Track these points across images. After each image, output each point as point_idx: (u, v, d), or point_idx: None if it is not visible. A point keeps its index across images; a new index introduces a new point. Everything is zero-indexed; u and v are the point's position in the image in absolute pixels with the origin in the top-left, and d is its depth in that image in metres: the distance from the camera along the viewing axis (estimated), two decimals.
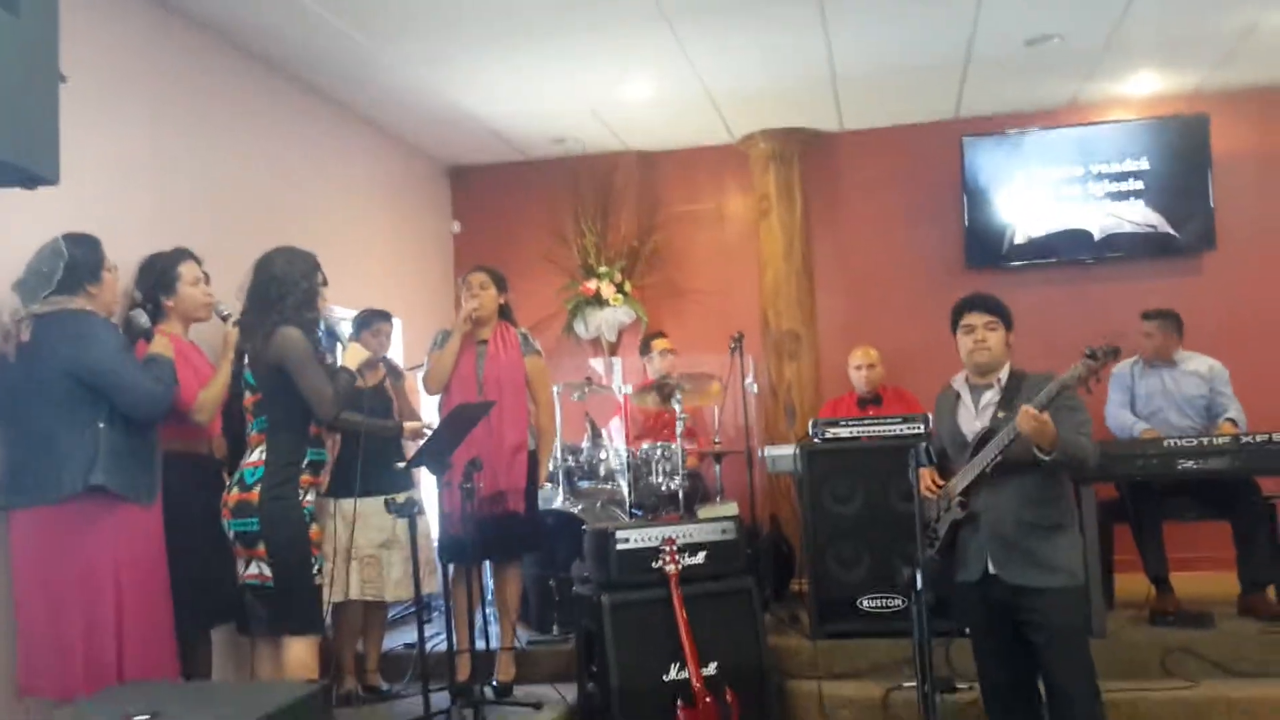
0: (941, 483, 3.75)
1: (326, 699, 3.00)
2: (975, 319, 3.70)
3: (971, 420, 3.71)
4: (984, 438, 3.59)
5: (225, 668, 4.42)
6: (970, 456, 3.62)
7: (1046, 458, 3.40)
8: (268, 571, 3.52)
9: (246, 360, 3.66)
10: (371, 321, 5.05)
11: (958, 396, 3.81)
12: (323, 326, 3.88)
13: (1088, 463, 3.55)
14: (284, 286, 3.65)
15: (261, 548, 3.51)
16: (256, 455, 3.58)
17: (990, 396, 3.68)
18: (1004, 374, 3.69)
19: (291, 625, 3.57)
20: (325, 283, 3.82)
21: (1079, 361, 3.36)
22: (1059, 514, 3.60)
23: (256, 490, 3.52)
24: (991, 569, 3.57)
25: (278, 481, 3.54)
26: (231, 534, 3.56)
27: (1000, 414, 3.59)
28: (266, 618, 3.59)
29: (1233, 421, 5.24)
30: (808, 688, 4.71)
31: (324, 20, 4.91)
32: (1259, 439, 4.70)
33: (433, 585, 4.81)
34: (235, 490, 3.56)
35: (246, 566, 3.56)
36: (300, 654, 3.56)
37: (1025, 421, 3.34)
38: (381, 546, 4.64)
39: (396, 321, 6.52)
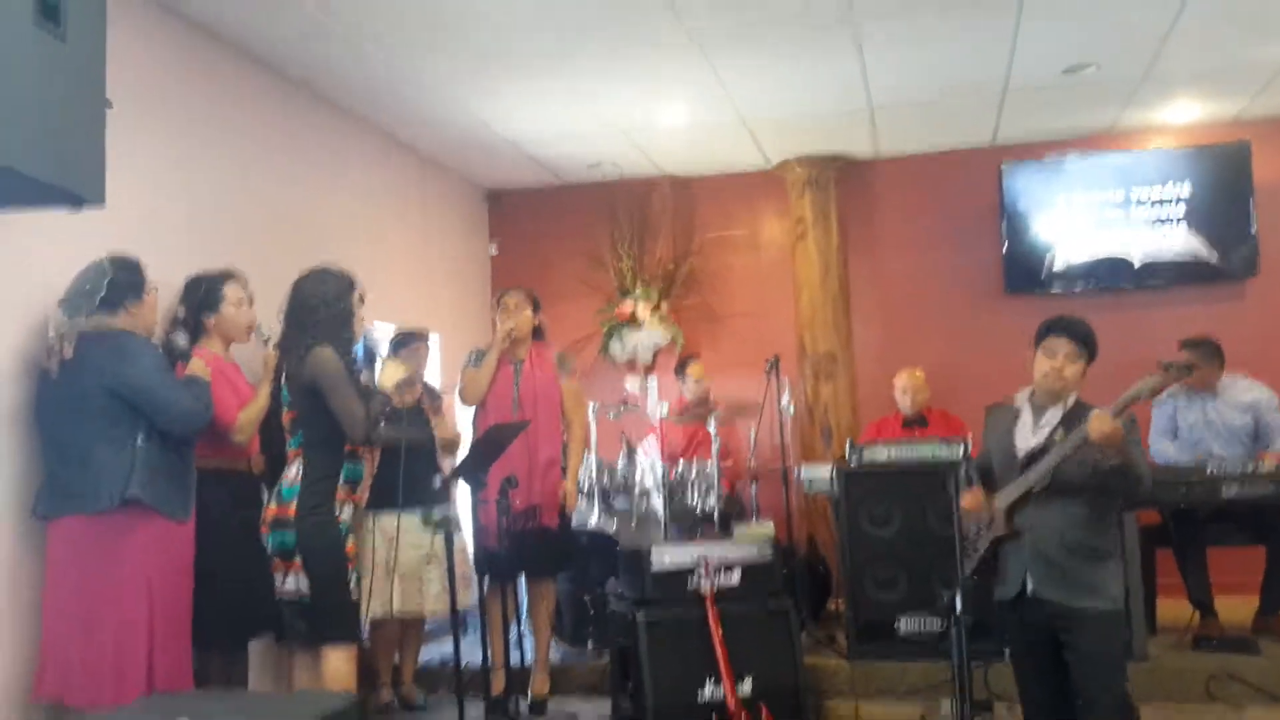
0: (987, 498, 3.69)
1: (362, 710, 3.00)
2: (1058, 344, 3.57)
3: (1028, 437, 3.63)
4: (1036, 454, 3.54)
5: (263, 680, 4.45)
6: (1020, 472, 3.57)
7: (1110, 463, 3.35)
8: (304, 585, 3.56)
9: (284, 378, 3.70)
10: (409, 341, 5.09)
11: (1017, 414, 3.73)
12: (361, 345, 3.92)
13: (1143, 484, 3.46)
14: (318, 307, 3.69)
15: (298, 561, 3.56)
16: (294, 472, 3.63)
17: (1052, 416, 3.59)
18: (1071, 400, 3.60)
19: (329, 636, 3.60)
20: (363, 301, 3.86)
21: (1154, 373, 3.32)
22: (1105, 541, 3.52)
23: (293, 505, 3.57)
24: (1030, 587, 3.51)
25: (313, 497, 3.59)
26: (270, 548, 3.61)
27: (1060, 431, 3.49)
28: (305, 630, 3.63)
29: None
30: (845, 709, 4.69)
31: (359, 44, 4.96)
32: None
33: (468, 600, 4.81)
34: (273, 505, 3.63)
35: (284, 580, 3.60)
36: (338, 665, 3.59)
37: (1099, 425, 3.27)
38: (420, 561, 4.65)
39: (434, 338, 6.59)
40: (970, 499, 3.72)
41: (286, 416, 3.71)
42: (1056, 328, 3.60)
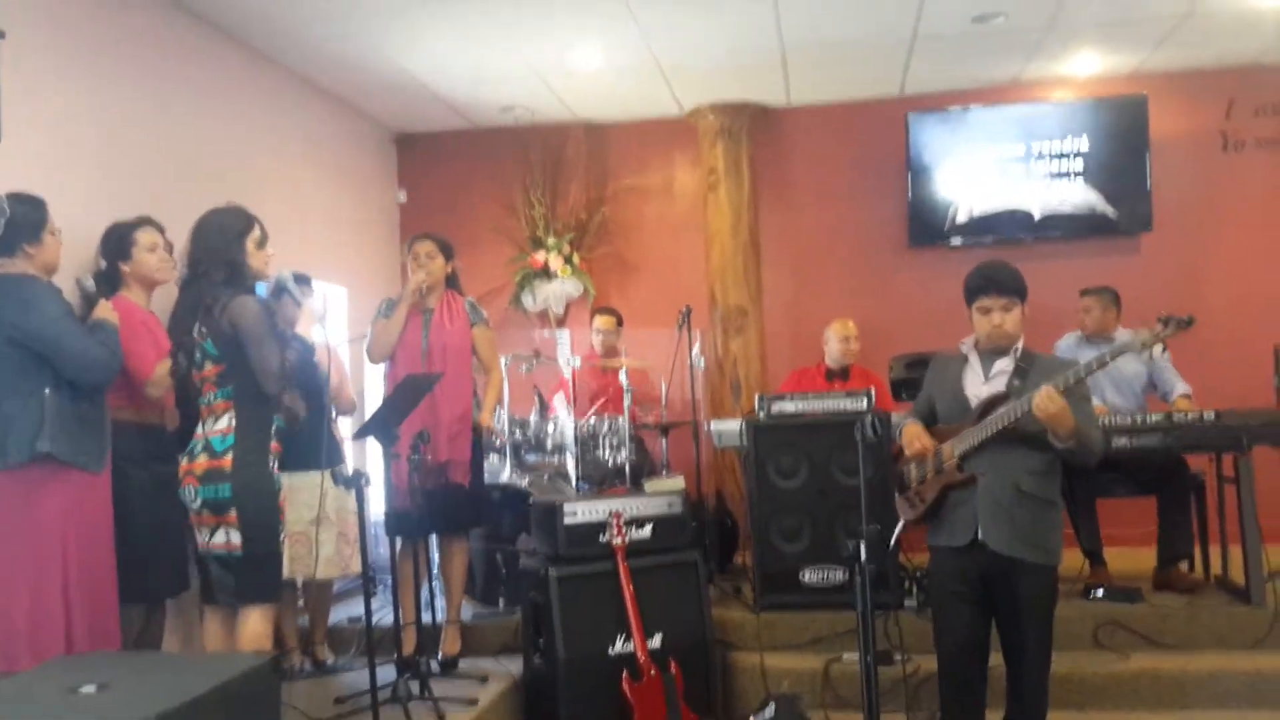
0: (933, 443, 3.76)
1: (276, 670, 2.99)
2: (990, 302, 3.64)
3: (979, 384, 3.70)
4: (993, 402, 3.60)
5: (170, 640, 4.40)
6: (976, 420, 3.63)
7: (1061, 445, 3.44)
8: (236, 539, 3.47)
9: (203, 330, 3.56)
10: (305, 281, 4.93)
11: (965, 360, 3.79)
12: (271, 285, 3.83)
13: (1095, 454, 3.54)
14: (219, 248, 3.59)
15: (233, 514, 3.46)
16: (224, 423, 3.51)
17: (1003, 364, 3.67)
18: (1019, 347, 3.68)
19: (256, 594, 3.54)
20: (265, 239, 3.74)
21: (1145, 330, 3.40)
22: (1052, 490, 3.63)
23: (229, 457, 3.47)
24: (980, 536, 3.60)
25: (249, 449, 3.50)
26: (199, 501, 3.49)
27: (1015, 381, 3.57)
28: (233, 585, 3.53)
29: (1187, 397, 5.34)
30: (750, 660, 4.78)
31: None
32: (1190, 417, 4.83)
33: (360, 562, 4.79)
34: (203, 458, 3.49)
35: (212, 534, 3.50)
36: (255, 625, 3.53)
37: (1043, 405, 3.34)
38: (310, 523, 4.58)
39: (341, 290, 6.48)
40: (919, 442, 3.77)
41: (211, 370, 3.55)
42: (983, 285, 3.67)
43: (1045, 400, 3.35)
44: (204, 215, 3.69)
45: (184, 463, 3.54)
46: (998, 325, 3.64)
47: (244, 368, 3.52)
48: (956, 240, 7.07)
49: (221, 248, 3.59)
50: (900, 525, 4.01)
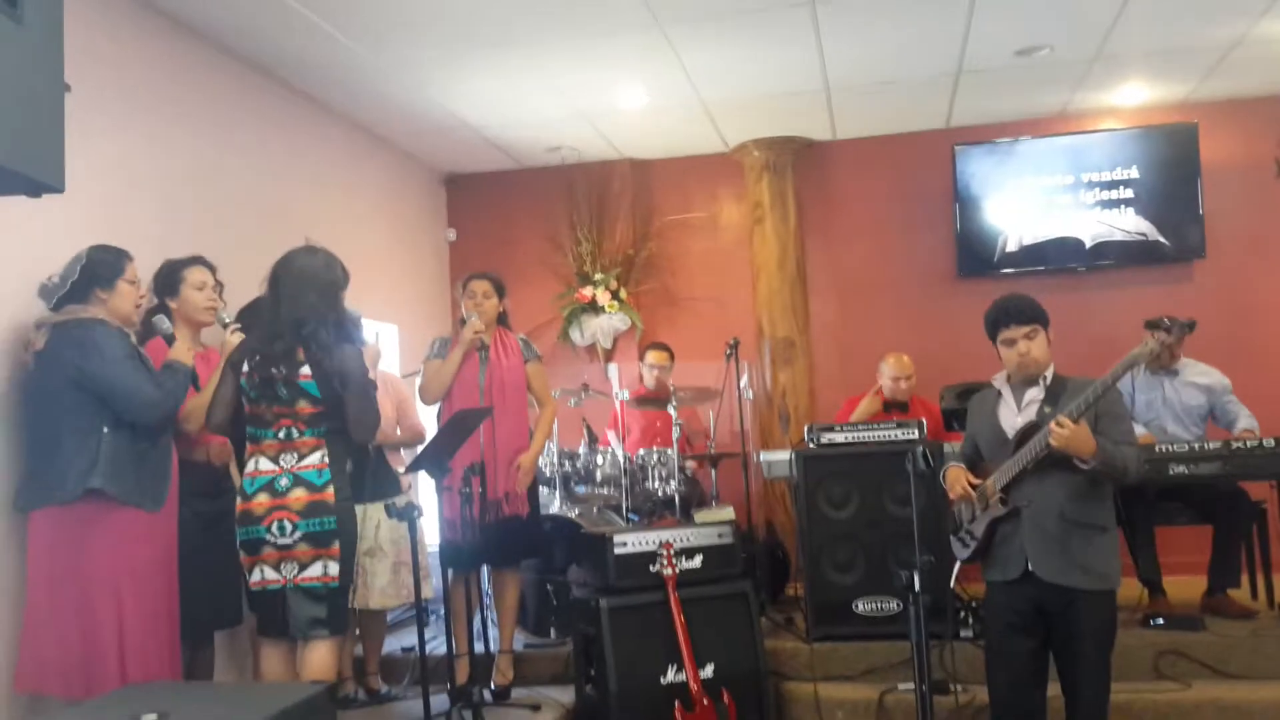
0: (976, 481, 3.75)
1: (331, 699, 3.02)
2: (1012, 333, 3.65)
3: (1013, 417, 3.69)
4: (1027, 432, 3.58)
5: (224, 676, 4.44)
6: (1013, 451, 3.62)
7: (1085, 466, 3.42)
8: (335, 570, 3.51)
9: (307, 371, 3.57)
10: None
11: (999, 395, 3.80)
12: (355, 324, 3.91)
13: (1129, 473, 3.50)
14: (312, 282, 3.64)
15: (336, 546, 3.51)
16: (316, 458, 3.55)
17: (1034, 394, 3.67)
18: (1049, 374, 3.68)
19: (342, 625, 3.60)
20: (347, 277, 3.80)
21: (1148, 342, 3.38)
22: (1102, 514, 3.58)
23: (330, 491, 3.52)
24: (1030, 567, 3.56)
25: (344, 484, 3.58)
26: (296, 535, 3.49)
27: (1047, 409, 3.56)
28: (326, 618, 3.54)
29: (1251, 430, 5.23)
30: (804, 690, 4.75)
31: (318, 27, 4.96)
32: (1249, 445, 4.77)
33: (427, 590, 4.82)
34: (300, 491, 3.51)
35: (304, 568, 3.51)
36: (327, 655, 3.56)
37: (1056, 433, 3.35)
38: (365, 554, 4.63)
39: (392, 327, 6.58)
40: (959, 486, 3.77)
41: (306, 408, 3.56)
42: (1001, 318, 3.68)
43: (1056, 428, 3.36)
44: (291, 259, 3.70)
45: (262, 498, 3.52)
46: (1025, 354, 3.63)
47: (338, 411, 3.58)
48: (1007, 270, 7.03)
49: (326, 309, 3.64)
50: (957, 566, 3.98)
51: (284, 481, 3.54)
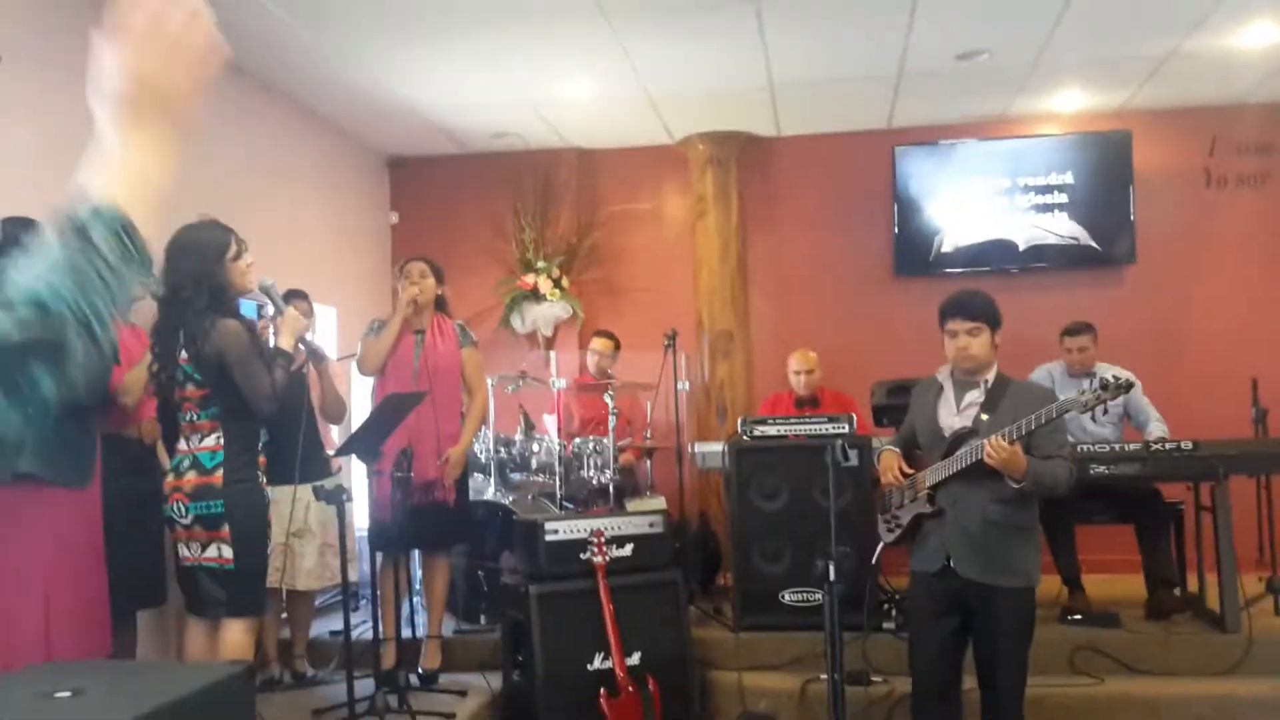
0: (909, 471, 3.83)
1: (250, 680, 3.01)
2: (957, 325, 3.71)
3: (952, 416, 3.76)
4: (961, 437, 3.66)
5: (147, 652, 4.41)
6: (944, 453, 3.70)
7: (1016, 485, 3.50)
8: (229, 553, 3.50)
9: (185, 355, 3.56)
10: (289, 299, 4.99)
11: (940, 390, 3.86)
12: (254, 303, 3.84)
13: (1059, 488, 3.59)
14: (198, 265, 3.56)
15: (225, 530, 3.50)
16: (212, 440, 3.55)
17: (974, 396, 3.73)
18: (990, 375, 3.74)
19: (246, 607, 3.59)
20: (242, 252, 3.70)
21: (1088, 391, 3.46)
22: (1025, 517, 3.67)
23: (219, 474, 3.51)
24: (951, 564, 3.65)
25: (239, 466, 3.55)
26: (190, 517, 3.52)
27: (983, 416, 3.63)
28: (225, 599, 3.55)
29: (1161, 438, 5.37)
30: (729, 678, 4.81)
31: (262, 6, 4.91)
32: (1168, 447, 4.89)
33: (353, 573, 4.81)
34: (191, 474, 3.52)
35: (204, 549, 3.52)
36: (239, 637, 3.56)
37: (991, 454, 3.43)
38: (293, 535, 4.62)
39: (331, 310, 6.53)
40: (890, 474, 3.86)
41: (194, 392, 3.57)
42: (950, 310, 3.75)
43: (992, 450, 3.44)
44: (179, 233, 3.65)
45: (170, 479, 3.57)
46: (964, 348, 3.71)
47: (229, 390, 3.55)
48: (942, 270, 7.13)
49: (202, 272, 3.56)
50: (880, 546, 4.07)
51: (185, 463, 3.57)
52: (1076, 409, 3.52)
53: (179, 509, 3.54)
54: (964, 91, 6.59)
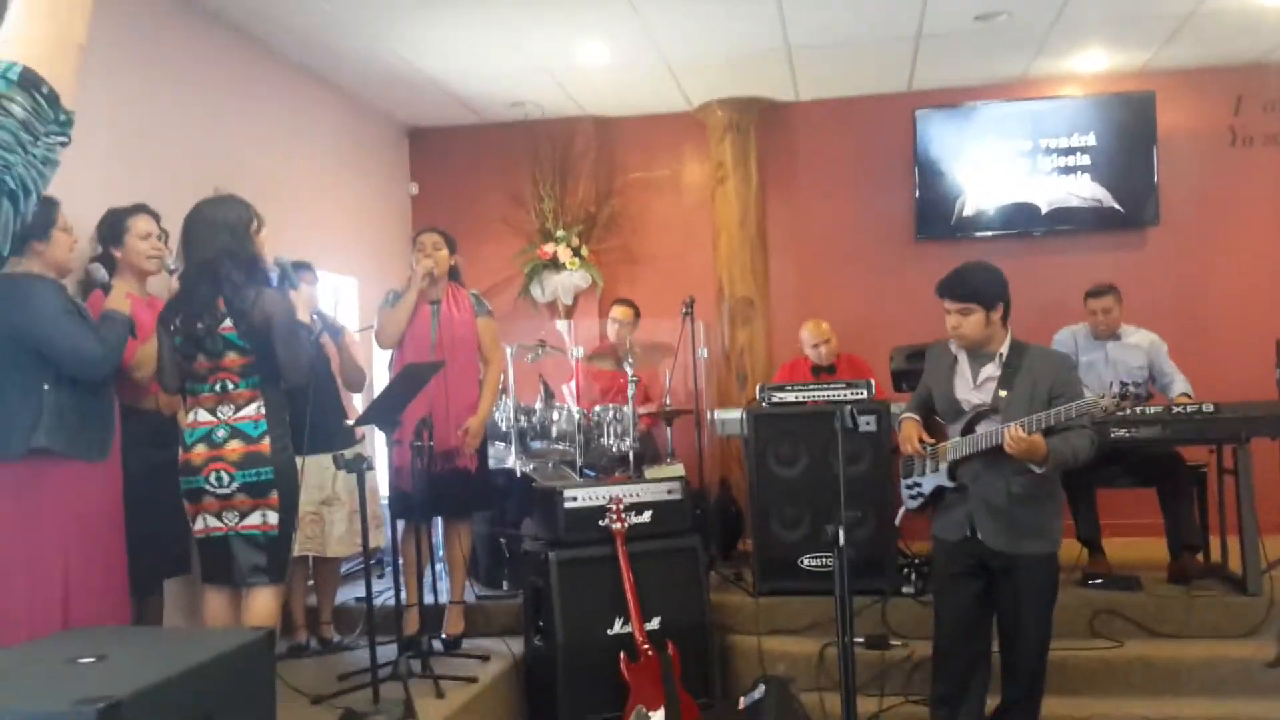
0: (930, 440, 3.85)
1: (270, 645, 3.06)
2: (949, 305, 3.73)
3: (969, 390, 3.77)
4: (980, 414, 3.68)
5: (174, 621, 4.48)
6: (965, 429, 3.71)
7: (1039, 470, 3.52)
8: (274, 520, 3.55)
9: (229, 323, 3.57)
10: (299, 271, 5.01)
11: (954, 361, 3.86)
12: (278, 271, 3.86)
13: (1080, 459, 3.61)
14: (231, 254, 3.60)
15: (274, 496, 3.54)
16: (253, 409, 3.58)
17: (990, 370, 3.73)
18: (1005, 348, 3.72)
19: (279, 572, 3.63)
20: (261, 227, 3.75)
21: (1108, 395, 3.48)
22: (1047, 483, 3.69)
23: (266, 442, 3.55)
24: (977, 535, 3.69)
25: (280, 433, 3.60)
26: (234, 485, 3.53)
27: (1001, 392, 3.64)
28: (265, 565, 3.58)
29: (1186, 395, 5.36)
30: (748, 643, 4.86)
31: None
32: (1190, 409, 4.86)
33: (379, 540, 4.87)
34: (236, 443, 3.54)
35: (243, 517, 3.55)
36: (270, 603, 3.61)
37: (1011, 446, 3.46)
38: (322, 504, 4.70)
39: (352, 280, 6.57)
40: (909, 445, 3.89)
41: (235, 360, 3.59)
42: (940, 289, 3.76)
43: (1011, 441, 3.46)
44: (199, 208, 3.68)
45: (200, 449, 3.57)
46: (954, 328, 3.73)
47: (270, 359, 3.59)
48: (964, 234, 7.09)
49: (236, 247, 3.61)
50: (901, 510, 4.09)
51: (221, 433, 3.57)
52: (1096, 413, 3.54)
53: (220, 478, 3.54)
54: (984, 53, 6.51)
